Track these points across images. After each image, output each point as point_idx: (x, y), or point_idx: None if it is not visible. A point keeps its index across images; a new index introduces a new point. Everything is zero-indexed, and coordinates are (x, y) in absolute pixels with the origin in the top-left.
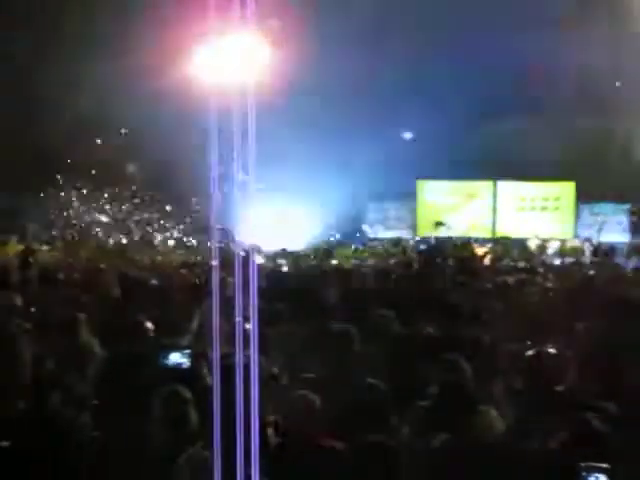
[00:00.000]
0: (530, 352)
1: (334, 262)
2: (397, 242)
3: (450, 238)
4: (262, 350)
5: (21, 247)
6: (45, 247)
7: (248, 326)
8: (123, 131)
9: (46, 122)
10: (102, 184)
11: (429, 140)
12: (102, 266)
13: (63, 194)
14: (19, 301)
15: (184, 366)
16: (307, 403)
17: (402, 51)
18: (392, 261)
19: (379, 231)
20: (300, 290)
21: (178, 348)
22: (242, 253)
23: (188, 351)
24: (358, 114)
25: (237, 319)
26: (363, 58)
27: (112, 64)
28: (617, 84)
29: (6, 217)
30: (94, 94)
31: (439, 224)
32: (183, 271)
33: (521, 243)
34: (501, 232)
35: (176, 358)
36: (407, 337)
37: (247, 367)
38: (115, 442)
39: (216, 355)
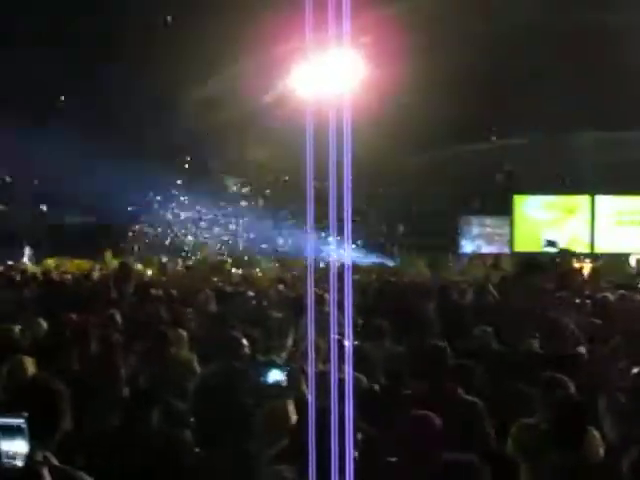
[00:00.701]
0: (635, 370)
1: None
2: (496, 258)
3: (558, 253)
4: (360, 366)
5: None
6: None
7: (346, 342)
8: None
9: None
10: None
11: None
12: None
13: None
14: (118, 317)
15: (282, 383)
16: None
17: None
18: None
19: (476, 246)
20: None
21: (275, 365)
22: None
23: (286, 368)
24: (453, 125)
25: (332, 336)
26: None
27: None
28: None
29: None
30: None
31: (551, 243)
32: (280, 286)
33: (620, 258)
34: (600, 247)
35: (275, 375)
36: (507, 354)
37: (342, 383)
38: (218, 460)
39: (311, 371)
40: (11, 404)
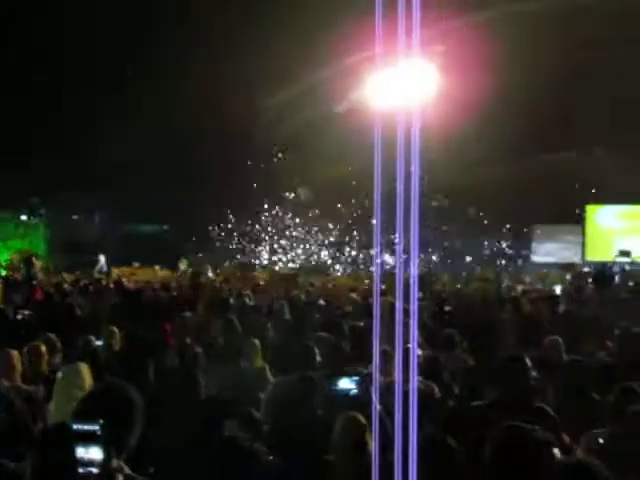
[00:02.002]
0: None
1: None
2: (569, 267)
3: (631, 263)
4: (430, 376)
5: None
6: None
7: (418, 352)
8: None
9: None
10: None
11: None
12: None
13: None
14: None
15: (352, 392)
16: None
17: None
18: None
19: (548, 255)
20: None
21: (346, 374)
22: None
23: (356, 377)
24: (527, 137)
25: (398, 345)
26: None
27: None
28: None
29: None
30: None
31: (624, 253)
32: (353, 295)
33: None
34: None
35: (345, 384)
36: (579, 365)
37: (407, 394)
38: (293, 468)
39: (375, 380)
40: (85, 410)
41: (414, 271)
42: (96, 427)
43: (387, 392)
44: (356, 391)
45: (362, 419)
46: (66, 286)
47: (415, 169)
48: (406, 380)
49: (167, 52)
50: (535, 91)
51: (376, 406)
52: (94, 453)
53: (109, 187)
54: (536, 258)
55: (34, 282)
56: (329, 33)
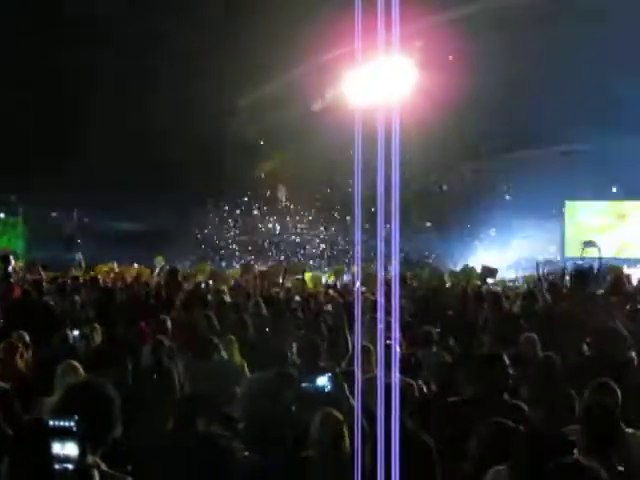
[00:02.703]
0: None
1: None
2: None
3: (600, 259)
4: (412, 373)
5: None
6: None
7: (395, 347)
8: None
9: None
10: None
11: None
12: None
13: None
14: (169, 324)
15: (327, 389)
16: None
17: None
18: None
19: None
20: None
21: (321, 371)
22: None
23: (330, 373)
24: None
25: (380, 341)
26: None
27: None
28: None
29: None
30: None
31: (588, 244)
32: (331, 292)
33: None
34: None
35: (320, 381)
36: (554, 360)
37: (388, 388)
38: (270, 465)
39: (357, 378)
40: (63, 406)
41: (395, 267)
42: (72, 423)
43: (367, 388)
44: (330, 388)
45: (339, 415)
46: (44, 284)
47: (395, 164)
48: (386, 376)
49: (148, 51)
50: (510, 87)
51: (358, 402)
52: (70, 449)
53: (88, 185)
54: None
55: (11, 280)
56: (307, 30)
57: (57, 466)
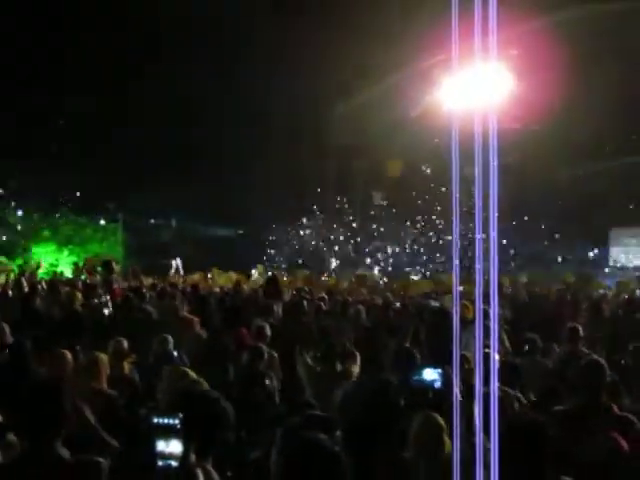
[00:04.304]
0: None
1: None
2: None
3: None
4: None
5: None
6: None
7: (494, 355)
8: None
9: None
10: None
11: None
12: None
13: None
14: (268, 330)
15: (437, 385)
16: None
17: None
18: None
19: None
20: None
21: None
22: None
23: (440, 370)
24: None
25: (479, 349)
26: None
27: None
28: None
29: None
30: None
31: None
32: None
33: None
34: None
35: (430, 375)
36: None
37: (487, 396)
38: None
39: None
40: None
41: (494, 274)
42: (176, 421)
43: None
44: (440, 384)
45: (440, 419)
46: (144, 290)
47: (493, 170)
48: (485, 384)
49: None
50: (614, 92)
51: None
52: (174, 446)
53: (186, 190)
54: (614, 261)
55: (114, 286)
56: (405, 36)
57: (160, 463)
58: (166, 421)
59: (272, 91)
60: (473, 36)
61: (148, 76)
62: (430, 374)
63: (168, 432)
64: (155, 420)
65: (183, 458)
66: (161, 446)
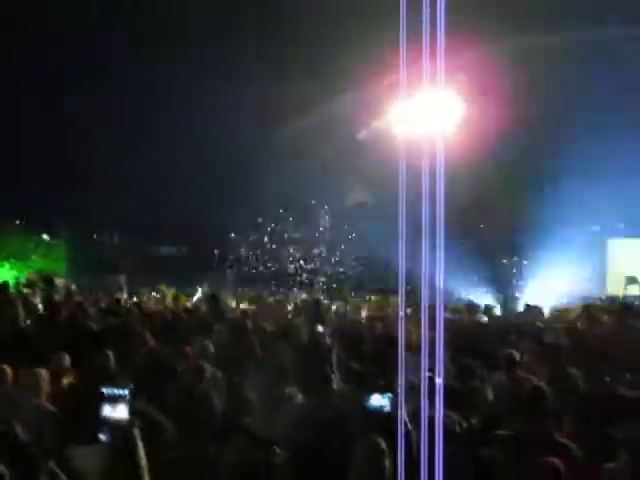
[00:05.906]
0: None
1: None
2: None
3: None
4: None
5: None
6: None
7: (438, 380)
8: None
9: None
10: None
11: None
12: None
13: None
14: (211, 348)
15: (385, 409)
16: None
17: None
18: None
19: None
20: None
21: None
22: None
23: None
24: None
25: (424, 374)
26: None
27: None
28: None
29: None
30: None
31: (632, 280)
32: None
33: None
34: None
35: (378, 400)
36: (595, 396)
37: (432, 420)
38: None
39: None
40: None
41: (440, 296)
42: (125, 391)
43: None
44: (388, 407)
45: (382, 444)
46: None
47: (439, 195)
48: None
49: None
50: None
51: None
52: (120, 412)
53: (126, 208)
54: None
55: (56, 301)
56: (352, 60)
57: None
58: (115, 392)
59: (209, 124)
60: (421, 61)
61: (84, 92)
62: (378, 400)
63: (115, 401)
64: (105, 390)
65: (129, 425)
66: (107, 411)
